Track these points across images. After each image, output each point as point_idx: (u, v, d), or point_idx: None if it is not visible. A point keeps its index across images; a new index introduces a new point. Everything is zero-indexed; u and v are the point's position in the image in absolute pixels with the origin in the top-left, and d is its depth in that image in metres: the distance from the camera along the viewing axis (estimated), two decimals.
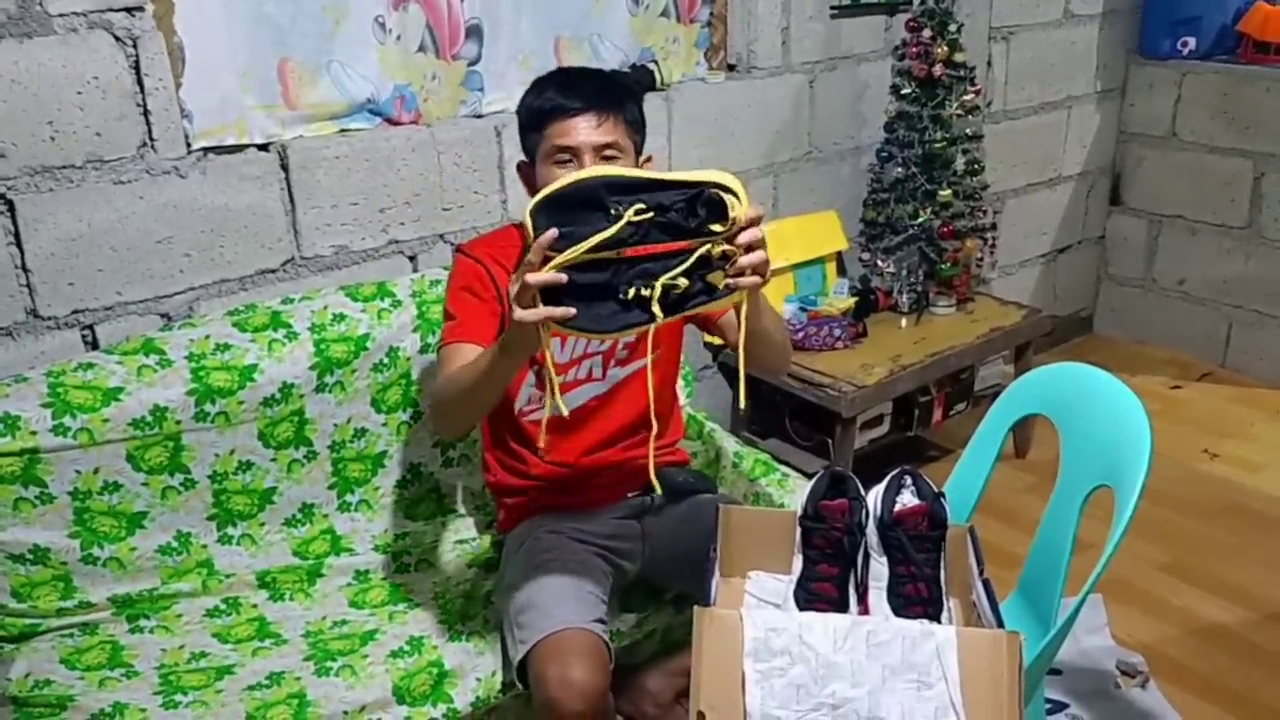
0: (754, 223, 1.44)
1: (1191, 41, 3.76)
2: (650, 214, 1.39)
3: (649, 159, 1.91)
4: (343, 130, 2.26)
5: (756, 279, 1.46)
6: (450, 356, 1.81)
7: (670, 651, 2.09)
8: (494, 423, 2.00)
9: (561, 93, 1.80)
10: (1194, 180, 3.83)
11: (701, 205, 1.40)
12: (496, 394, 1.76)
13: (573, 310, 1.39)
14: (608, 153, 1.79)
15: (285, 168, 2.19)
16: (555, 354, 1.89)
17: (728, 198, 1.40)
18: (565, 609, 1.77)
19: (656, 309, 1.40)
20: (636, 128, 1.86)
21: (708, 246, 1.41)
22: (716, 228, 1.40)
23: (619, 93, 1.85)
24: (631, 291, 1.40)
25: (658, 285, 1.40)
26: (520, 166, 1.92)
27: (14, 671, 1.79)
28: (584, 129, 1.77)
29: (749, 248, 1.43)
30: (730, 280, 1.43)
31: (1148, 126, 3.93)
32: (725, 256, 1.42)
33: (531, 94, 1.86)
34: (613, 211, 1.38)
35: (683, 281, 1.41)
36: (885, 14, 3.13)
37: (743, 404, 1.52)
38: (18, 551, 1.84)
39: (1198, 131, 3.79)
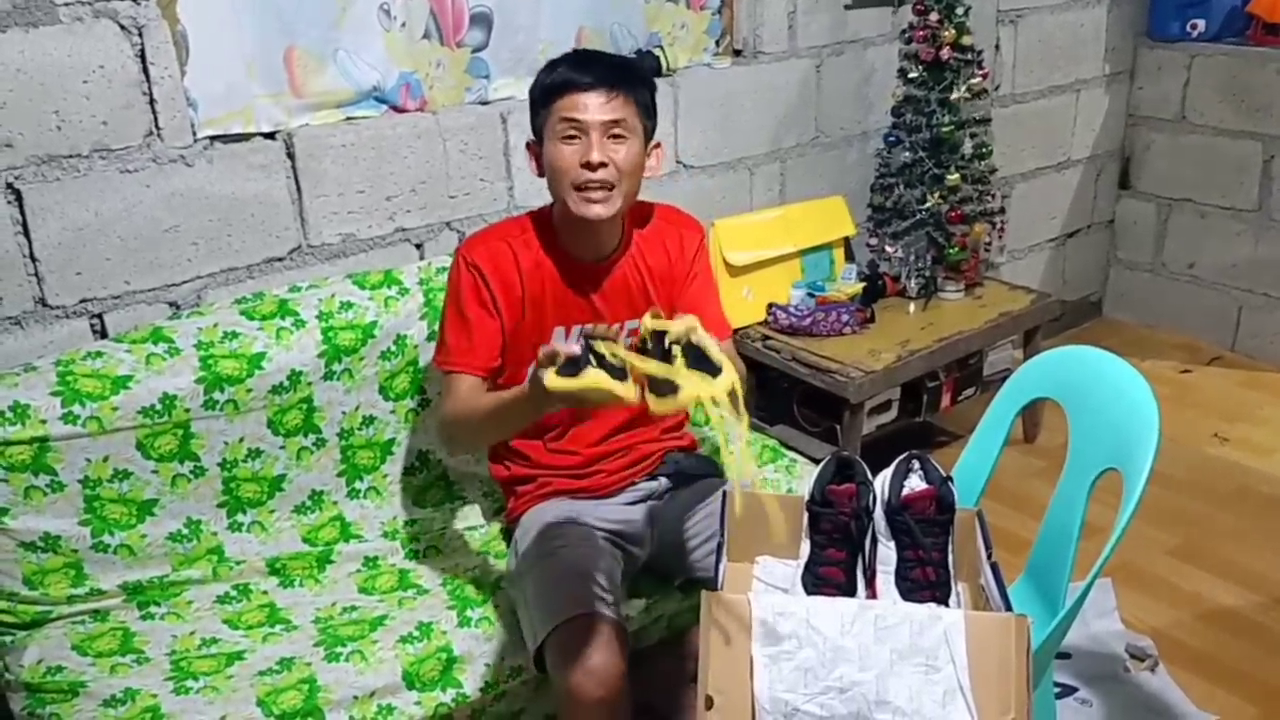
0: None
1: (1201, 24, 3.73)
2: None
3: (658, 145, 1.90)
4: (349, 118, 2.26)
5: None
6: (453, 387, 1.88)
7: (678, 636, 2.10)
8: None
9: (573, 68, 1.80)
10: (1203, 163, 3.81)
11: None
12: (512, 433, 1.94)
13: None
14: (615, 130, 1.78)
15: (292, 156, 2.19)
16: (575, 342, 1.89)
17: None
18: (580, 594, 1.77)
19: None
20: (648, 112, 1.85)
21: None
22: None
23: (631, 74, 1.84)
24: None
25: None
26: (529, 145, 1.90)
27: (26, 658, 1.80)
28: (593, 104, 1.77)
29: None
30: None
31: (1157, 109, 3.91)
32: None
33: (543, 72, 1.85)
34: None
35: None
36: None
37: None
38: (29, 539, 1.85)
39: (1207, 114, 3.76)
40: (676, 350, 1.48)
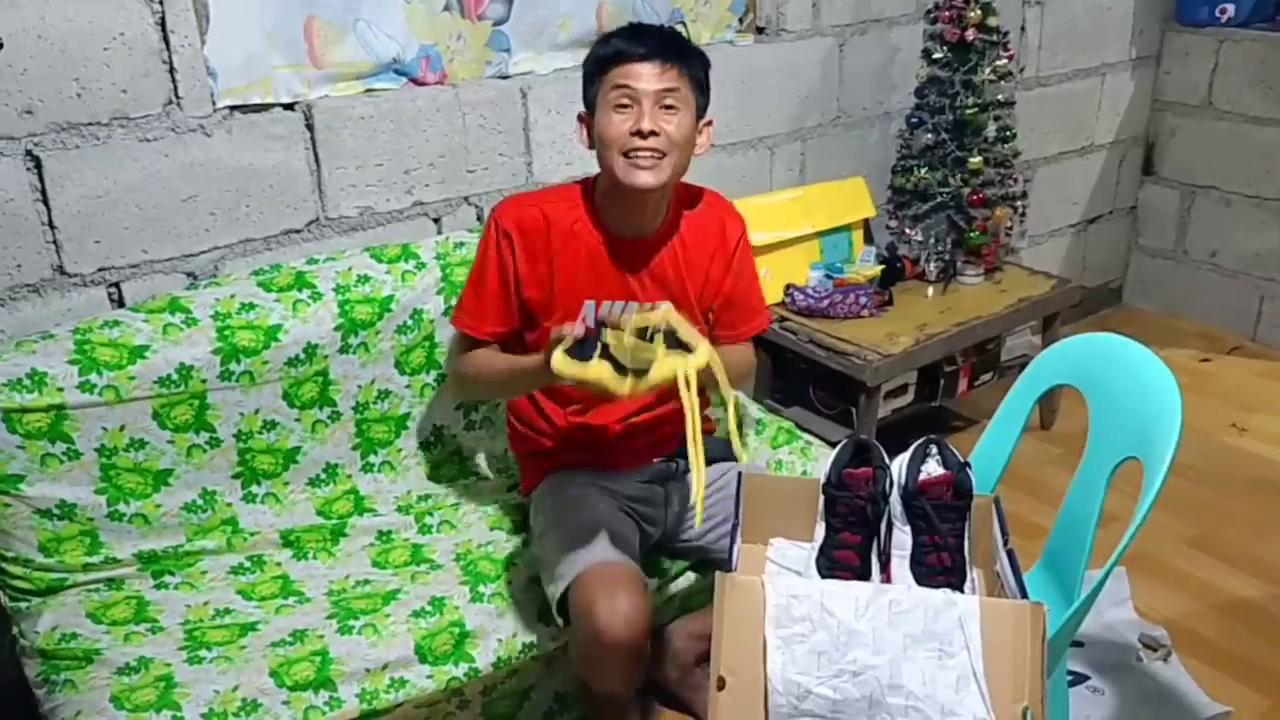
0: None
1: (1230, 8, 3.68)
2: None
3: (709, 122, 1.88)
4: (368, 90, 2.25)
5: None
6: (460, 344, 1.96)
7: (691, 615, 2.09)
8: None
9: (627, 40, 1.79)
10: (1229, 150, 3.77)
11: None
12: (519, 396, 2.02)
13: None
14: (668, 100, 1.76)
15: (310, 127, 2.18)
16: (589, 319, 1.89)
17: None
18: (605, 544, 1.78)
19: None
20: (700, 88, 1.83)
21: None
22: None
23: (685, 48, 1.83)
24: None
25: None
26: (580, 117, 1.88)
27: (41, 625, 1.81)
28: (647, 74, 1.75)
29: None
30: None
31: (1183, 95, 3.86)
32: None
33: (598, 44, 1.84)
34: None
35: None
36: None
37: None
38: (45, 507, 1.85)
39: (1234, 101, 3.71)
40: (658, 338, 1.56)
